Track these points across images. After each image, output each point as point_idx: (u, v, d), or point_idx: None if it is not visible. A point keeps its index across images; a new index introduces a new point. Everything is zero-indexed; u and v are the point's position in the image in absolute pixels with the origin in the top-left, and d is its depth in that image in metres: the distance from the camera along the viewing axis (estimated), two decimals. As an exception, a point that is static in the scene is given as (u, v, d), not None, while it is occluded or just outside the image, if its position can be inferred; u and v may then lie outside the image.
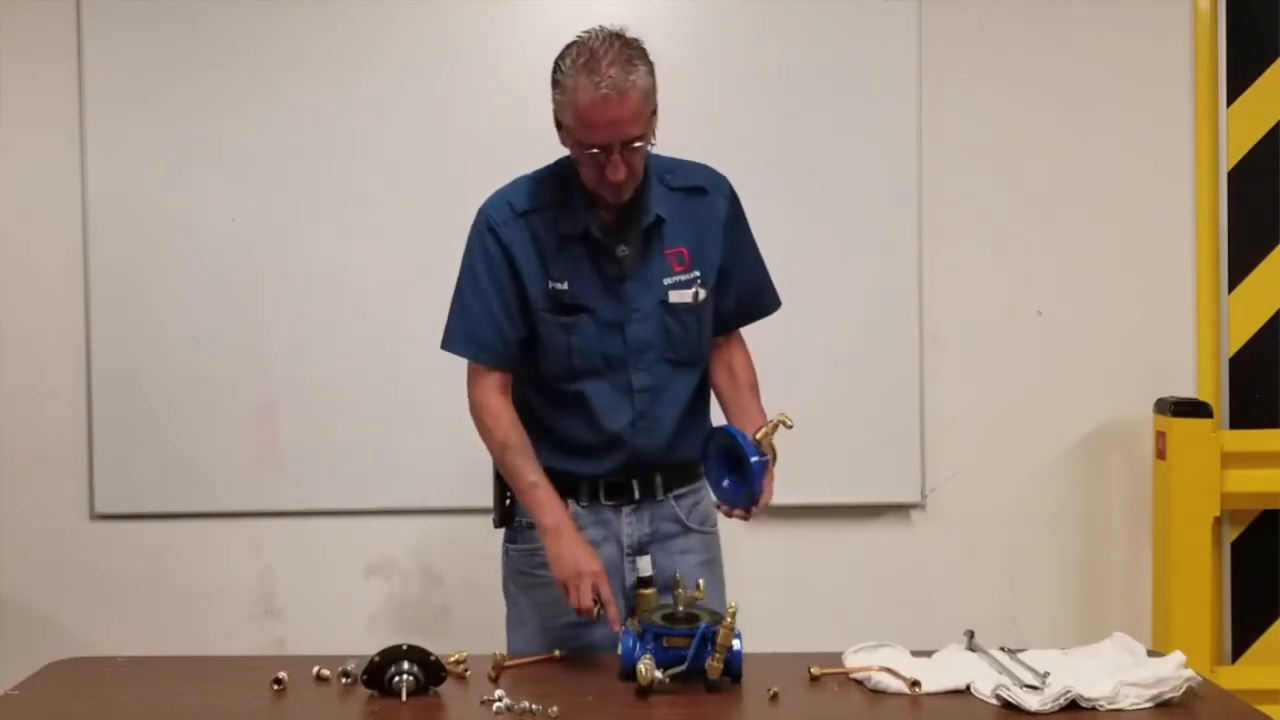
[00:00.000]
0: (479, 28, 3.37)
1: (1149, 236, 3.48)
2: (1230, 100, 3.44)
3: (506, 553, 2.35)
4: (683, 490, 2.31)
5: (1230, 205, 3.44)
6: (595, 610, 2.08)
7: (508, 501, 2.29)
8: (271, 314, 3.38)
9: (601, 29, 2.09)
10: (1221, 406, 3.45)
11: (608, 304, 2.21)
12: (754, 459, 2.04)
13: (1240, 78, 3.44)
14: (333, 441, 3.38)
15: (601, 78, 2.03)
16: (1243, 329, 3.46)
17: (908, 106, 3.39)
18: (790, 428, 2.06)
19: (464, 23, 3.36)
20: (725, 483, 2.13)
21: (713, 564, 2.36)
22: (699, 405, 2.32)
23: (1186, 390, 3.45)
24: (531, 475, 2.18)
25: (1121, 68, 3.46)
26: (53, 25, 3.37)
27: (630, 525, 2.27)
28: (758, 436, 2.07)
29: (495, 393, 2.23)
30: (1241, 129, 3.44)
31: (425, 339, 3.31)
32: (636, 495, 2.27)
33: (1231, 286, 3.45)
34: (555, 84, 2.10)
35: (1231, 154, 3.44)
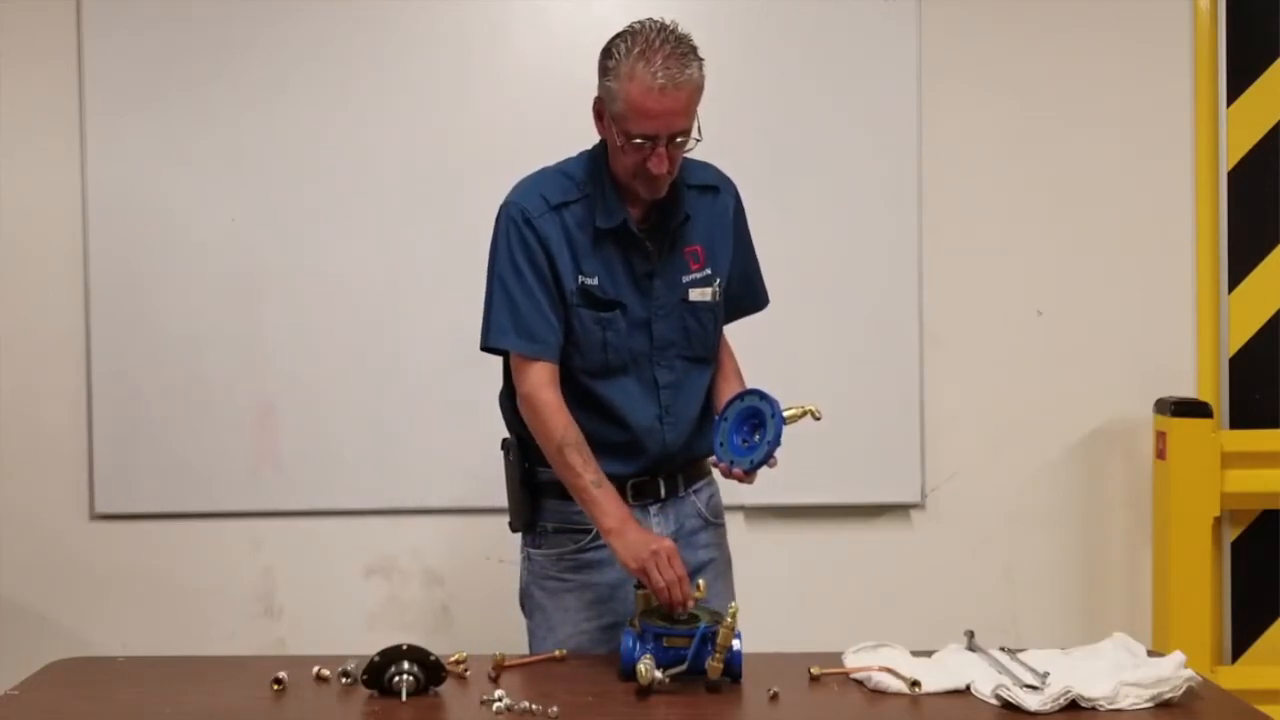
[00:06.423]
0: (479, 28, 3.37)
1: (1149, 237, 3.48)
2: (1230, 100, 3.43)
3: (529, 558, 2.31)
4: (698, 485, 2.33)
5: (1230, 205, 3.44)
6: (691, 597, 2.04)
7: (532, 502, 2.26)
8: (271, 314, 3.38)
9: (654, 21, 2.08)
10: (1221, 406, 3.44)
11: (637, 300, 2.21)
12: (781, 414, 2.07)
13: (1240, 78, 3.43)
14: (333, 441, 3.38)
15: (659, 69, 2.03)
16: (1243, 329, 3.46)
17: (908, 106, 3.39)
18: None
19: (464, 23, 3.36)
20: (738, 440, 2.12)
21: (726, 556, 2.38)
22: (709, 401, 2.33)
23: (1186, 390, 3.45)
24: (592, 474, 2.11)
25: (1121, 68, 3.46)
26: (53, 25, 3.36)
27: (659, 524, 2.26)
28: (785, 412, 2.08)
29: (549, 387, 2.16)
30: (1241, 129, 3.44)
31: (425, 339, 3.36)
32: (662, 494, 2.27)
33: (1231, 286, 3.45)
34: (606, 71, 2.08)
35: (1231, 154, 3.44)
